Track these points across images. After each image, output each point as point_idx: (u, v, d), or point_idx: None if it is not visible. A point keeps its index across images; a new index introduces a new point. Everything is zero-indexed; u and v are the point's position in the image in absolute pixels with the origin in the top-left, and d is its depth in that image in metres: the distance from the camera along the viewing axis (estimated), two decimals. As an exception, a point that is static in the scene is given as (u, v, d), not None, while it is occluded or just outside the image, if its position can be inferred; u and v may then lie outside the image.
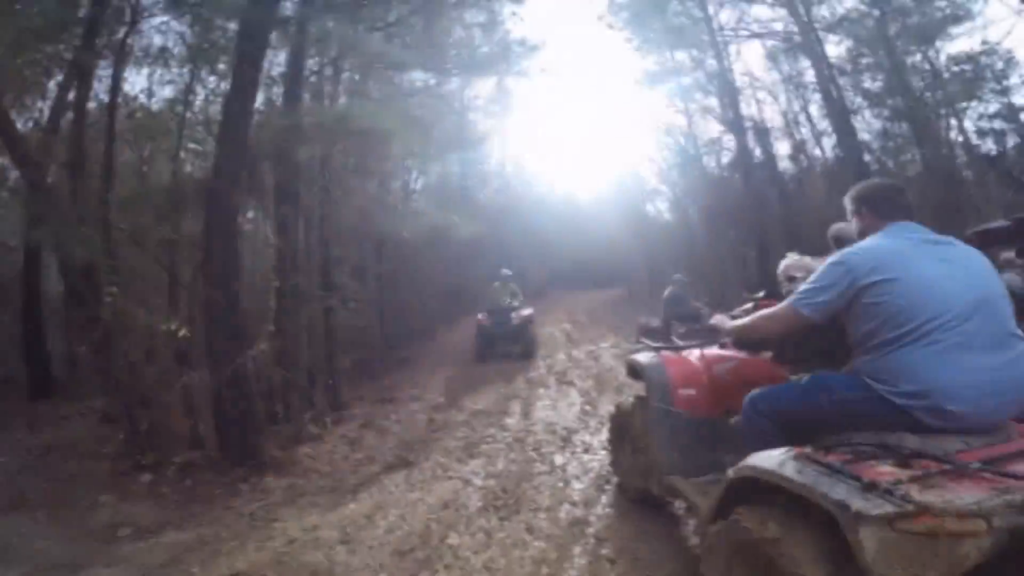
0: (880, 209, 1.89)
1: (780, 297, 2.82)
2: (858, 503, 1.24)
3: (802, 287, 1.86)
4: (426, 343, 13.10)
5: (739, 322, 2.15)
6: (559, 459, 4.42)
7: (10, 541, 3.24)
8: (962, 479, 1.30)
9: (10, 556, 3.06)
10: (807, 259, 2.47)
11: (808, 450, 1.54)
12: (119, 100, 6.96)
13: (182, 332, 4.59)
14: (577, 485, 3.82)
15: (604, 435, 4.73)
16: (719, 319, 2.33)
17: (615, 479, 3.68)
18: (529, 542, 3.00)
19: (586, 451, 4.59)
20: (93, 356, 4.87)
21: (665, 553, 2.77)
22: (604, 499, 3.54)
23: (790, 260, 2.49)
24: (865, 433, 1.65)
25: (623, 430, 3.44)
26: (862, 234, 1.94)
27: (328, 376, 6.95)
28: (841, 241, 3.47)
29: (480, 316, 10.41)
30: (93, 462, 4.68)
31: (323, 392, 6.71)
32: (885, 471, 1.38)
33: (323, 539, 3.16)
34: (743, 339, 2.30)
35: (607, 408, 5.79)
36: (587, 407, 6.12)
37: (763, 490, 1.59)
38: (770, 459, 1.59)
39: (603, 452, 4.39)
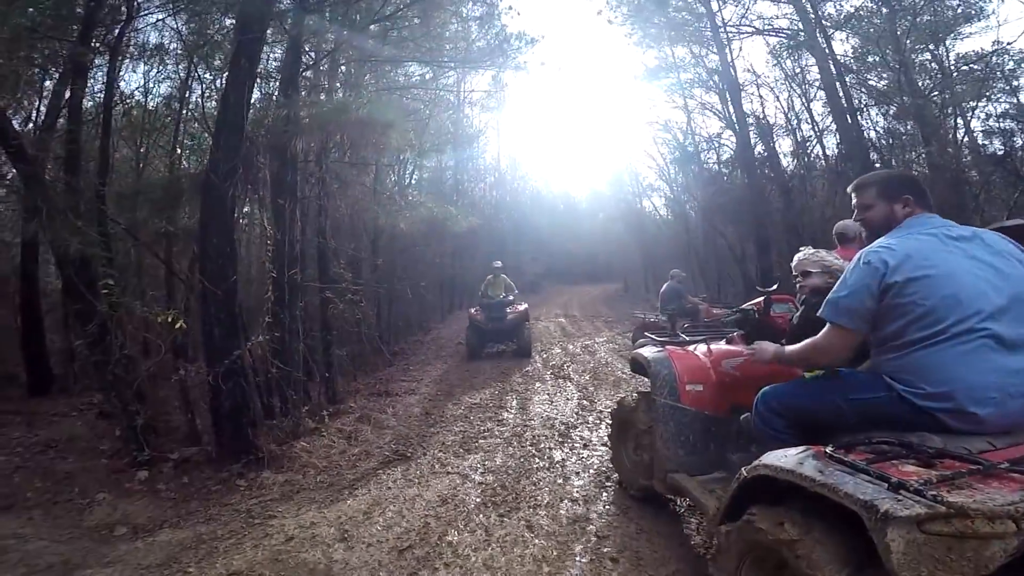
0: (921, 199, 1.82)
1: (792, 291, 2.78)
2: (887, 504, 1.20)
3: (829, 296, 1.77)
4: (421, 336, 13.09)
5: (789, 350, 1.96)
6: (558, 455, 4.39)
7: (4, 542, 3.17)
8: (990, 480, 1.26)
9: (3, 558, 3.00)
10: (822, 252, 2.40)
11: (828, 449, 1.49)
12: (115, 97, 6.90)
13: (179, 324, 4.53)
14: (577, 481, 3.79)
15: (603, 430, 4.72)
16: (760, 345, 2.14)
17: (616, 476, 3.66)
18: (529, 539, 2.96)
19: (585, 446, 4.56)
20: (89, 350, 4.81)
21: (669, 552, 2.74)
22: (605, 496, 3.50)
23: (804, 255, 2.41)
24: (885, 432, 1.60)
25: (625, 426, 3.40)
26: (883, 224, 1.84)
27: (324, 369, 6.91)
28: (846, 238, 3.44)
29: (472, 311, 9.86)
30: (90, 459, 4.62)
31: (319, 386, 6.66)
32: (910, 471, 1.34)
33: (321, 536, 3.12)
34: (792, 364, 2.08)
35: (605, 403, 5.80)
36: (584, 402, 6.11)
37: (778, 490, 1.55)
38: (787, 458, 1.54)
39: (603, 448, 4.36)
